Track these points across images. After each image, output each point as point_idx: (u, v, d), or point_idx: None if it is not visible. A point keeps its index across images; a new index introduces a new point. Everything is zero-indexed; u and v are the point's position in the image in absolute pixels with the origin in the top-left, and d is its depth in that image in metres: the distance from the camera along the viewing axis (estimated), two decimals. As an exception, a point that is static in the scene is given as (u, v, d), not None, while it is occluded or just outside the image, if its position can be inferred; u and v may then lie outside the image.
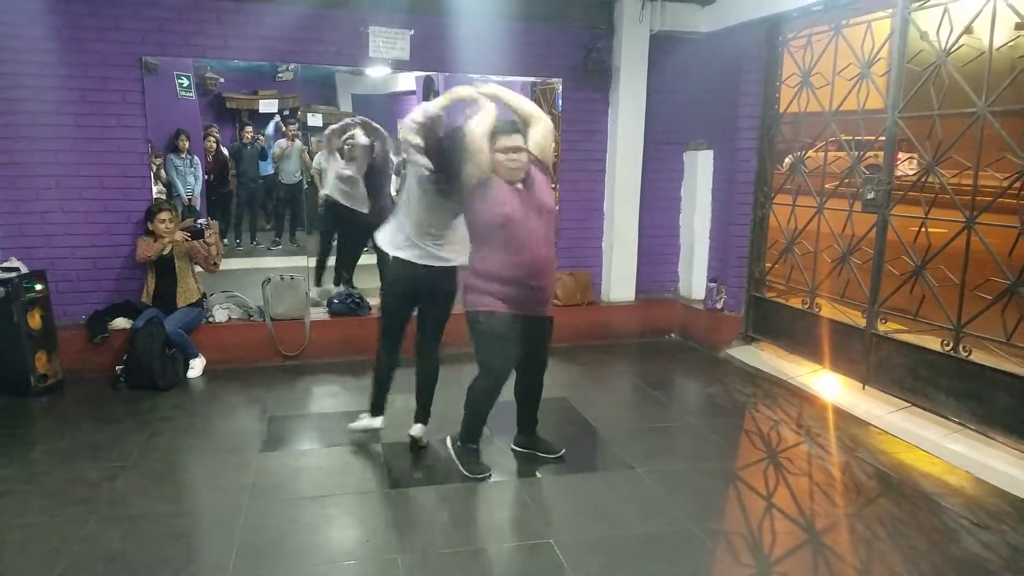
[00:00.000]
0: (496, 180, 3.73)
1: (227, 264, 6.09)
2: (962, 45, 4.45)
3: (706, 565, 3.22)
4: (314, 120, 11.79)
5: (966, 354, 4.47)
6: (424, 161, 3.84)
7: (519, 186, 3.78)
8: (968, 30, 4.42)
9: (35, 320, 5.13)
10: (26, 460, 4.14)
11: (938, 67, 4.57)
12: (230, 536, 3.34)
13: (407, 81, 12.08)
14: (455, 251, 4.02)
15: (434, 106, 3.95)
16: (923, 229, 4.75)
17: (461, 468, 3.99)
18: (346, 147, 6.90)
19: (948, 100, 4.57)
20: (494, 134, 3.77)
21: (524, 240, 3.70)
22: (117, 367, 5.37)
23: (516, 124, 3.84)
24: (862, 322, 5.20)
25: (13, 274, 5.12)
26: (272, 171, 10.02)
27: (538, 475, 4.06)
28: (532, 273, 3.75)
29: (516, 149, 3.73)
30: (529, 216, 3.73)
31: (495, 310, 3.78)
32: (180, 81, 9.24)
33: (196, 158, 8.83)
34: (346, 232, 7.23)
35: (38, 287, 5.21)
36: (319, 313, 6.20)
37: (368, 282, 7.51)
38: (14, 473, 3.96)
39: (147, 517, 3.51)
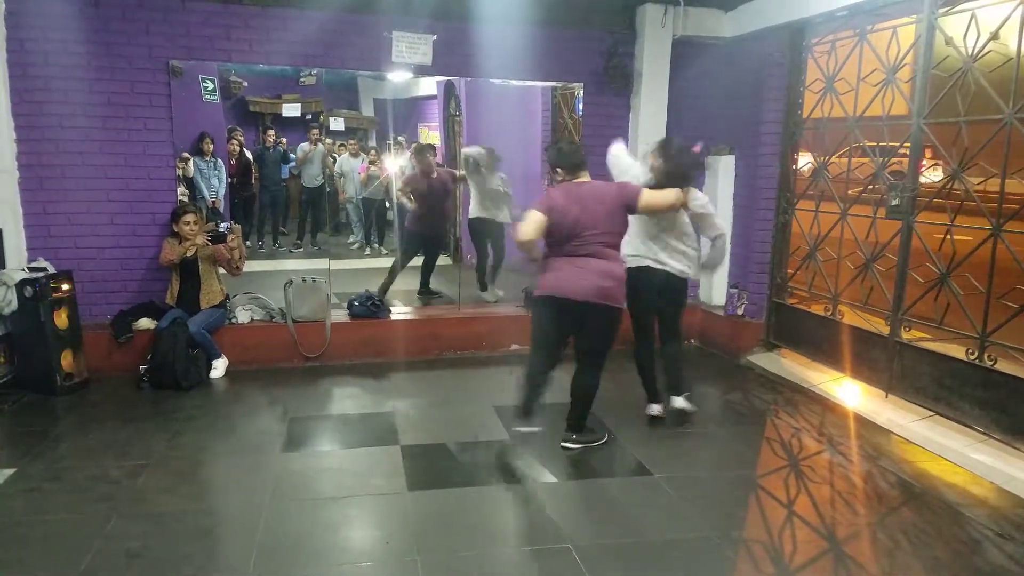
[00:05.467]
0: None
1: (249, 266, 6.15)
2: (989, 51, 4.41)
3: (726, 573, 3.20)
4: (336, 124, 11.89)
5: (991, 363, 4.42)
6: None
7: None
8: (995, 36, 4.38)
9: (61, 319, 5.20)
10: (51, 457, 4.20)
11: (964, 73, 4.53)
12: (251, 535, 3.37)
13: (429, 86, 12.16)
14: None
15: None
16: (948, 236, 4.70)
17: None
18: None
19: (974, 106, 4.53)
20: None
21: None
22: (141, 367, 5.43)
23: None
24: (885, 329, 5.16)
25: (40, 274, 5.20)
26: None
27: (556, 479, 4.06)
28: None
29: None
30: None
31: None
32: (205, 85, 9.38)
33: (220, 161, 8.95)
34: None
35: (65, 287, 5.28)
36: (340, 315, 6.24)
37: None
38: (39, 470, 4.01)
39: (169, 515, 3.55)
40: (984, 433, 4.43)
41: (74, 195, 5.65)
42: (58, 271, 5.37)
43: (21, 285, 5.08)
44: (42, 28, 5.38)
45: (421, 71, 6.35)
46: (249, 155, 10.03)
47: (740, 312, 6.48)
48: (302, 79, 12.51)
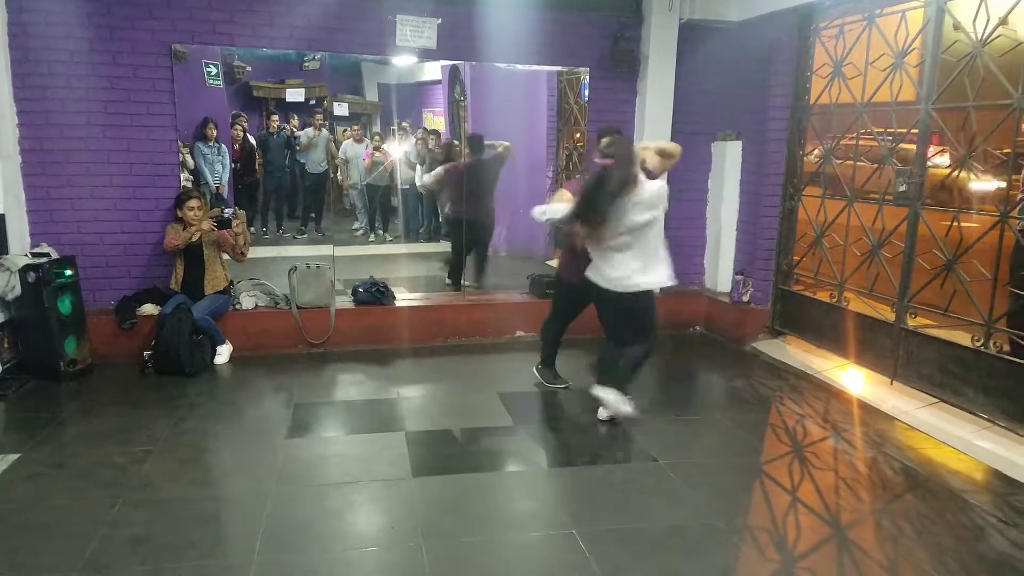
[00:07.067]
0: None
1: (254, 252, 6.14)
2: (998, 36, 4.37)
3: (731, 559, 3.20)
4: (340, 109, 11.82)
5: (997, 350, 4.40)
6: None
7: None
8: (1004, 21, 4.34)
9: (65, 305, 5.21)
10: (55, 443, 4.21)
11: (973, 58, 4.49)
12: (256, 521, 3.37)
13: (433, 70, 12.10)
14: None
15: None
16: (955, 223, 4.67)
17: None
18: None
19: (983, 92, 4.49)
20: (598, 136, 4.71)
21: None
22: (145, 353, 5.43)
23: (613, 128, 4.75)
24: (891, 316, 5.14)
25: (44, 259, 5.19)
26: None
27: (561, 465, 4.06)
28: None
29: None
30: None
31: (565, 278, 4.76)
32: (208, 69, 9.31)
33: (223, 146, 8.90)
34: None
35: (68, 272, 5.28)
36: (344, 302, 6.23)
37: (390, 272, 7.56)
38: (43, 456, 4.02)
39: (174, 501, 3.56)
40: (989, 420, 4.42)
41: (77, 180, 5.64)
42: (61, 256, 5.36)
43: (24, 271, 5.07)
44: (44, 12, 5.35)
45: (425, 55, 6.32)
46: (253, 140, 10.00)
47: (745, 299, 6.46)
48: (306, 64, 12.41)
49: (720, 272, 6.87)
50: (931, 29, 4.79)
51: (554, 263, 8.33)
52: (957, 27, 4.62)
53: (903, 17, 5.02)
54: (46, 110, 5.48)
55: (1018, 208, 4.32)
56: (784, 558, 3.20)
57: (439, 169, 7.87)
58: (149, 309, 5.66)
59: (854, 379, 5.37)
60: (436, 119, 12.74)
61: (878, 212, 5.28)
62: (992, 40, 4.40)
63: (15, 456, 3.99)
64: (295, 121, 10.58)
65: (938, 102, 4.80)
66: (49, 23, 5.38)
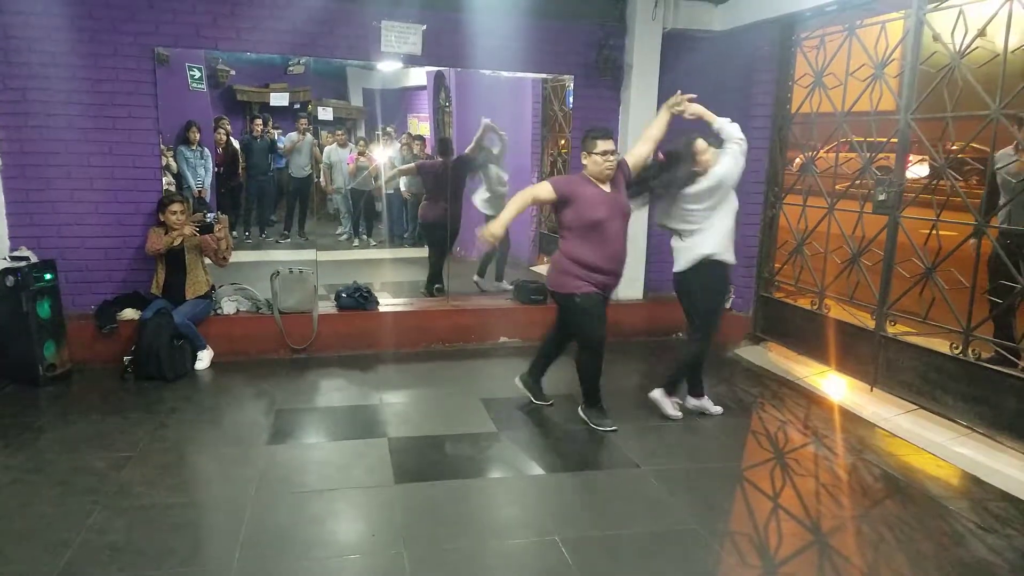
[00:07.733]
0: (589, 184, 4.39)
1: (236, 256, 6.10)
2: (976, 47, 4.43)
3: (712, 565, 3.21)
4: (325, 114, 11.79)
5: (975, 357, 4.45)
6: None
7: (607, 188, 4.40)
8: (982, 32, 4.39)
9: (44, 309, 5.15)
10: (33, 449, 4.16)
11: (952, 69, 4.55)
12: (236, 528, 3.35)
13: (418, 76, 12.08)
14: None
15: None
16: (934, 232, 4.73)
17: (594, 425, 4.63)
18: None
19: (962, 102, 4.54)
20: (593, 138, 4.37)
21: (610, 236, 4.33)
22: (125, 357, 5.39)
23: (609, 131, 4.47)
24: (871, 324, 5.19)
25: (23, 263, 5.14)
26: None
27: (543, 472, 4.06)
28: (615, 263, 4.41)
29: (613, 152, 4.34)
30: (615, 217, 4.36)
31: (589, 292, 4.36)
32: (192, 73, 9.27)
33: (206, 150, 8.85)
34: None
35: (47, 276, 5.23)
36: (327, 307, 6.21)
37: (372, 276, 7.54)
38: (21, 462, 3.98)
39: (153, 507, 3.53)
40: (967, 427, 4.46)
41: (57, 183, 5.59)
42: (41, 260, 5.31)
43: (3, 274, 5.02)
44: (25, 14, 5.31)
45: (411, 61, 6.31)
46: (236, 144, 9.95)
47: (727, 306, 6.49)
48: (290, 68, 12.37)
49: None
50: (910, 40, 4.84)
51: (538, 269, 8.35)
52: (936, 38, 4.68)
53: (883, 28, 5.08)
54: (26, 112, 5.43)
55: (997, 217, 4.38)
56: (765, 564, 3.21)
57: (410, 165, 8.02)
58: (130, 313, 5.62)
59: (835, 386, 5.41)
60: (421, 125, 12.74)
61: (858, 220, 5.33)
62: (970, 51, 4.45)
63: (-8, 462, 3.95)
64: (269, 125, 10.55)
65: (917, 112, 4.86)
66: (30, 25, 5.33)
